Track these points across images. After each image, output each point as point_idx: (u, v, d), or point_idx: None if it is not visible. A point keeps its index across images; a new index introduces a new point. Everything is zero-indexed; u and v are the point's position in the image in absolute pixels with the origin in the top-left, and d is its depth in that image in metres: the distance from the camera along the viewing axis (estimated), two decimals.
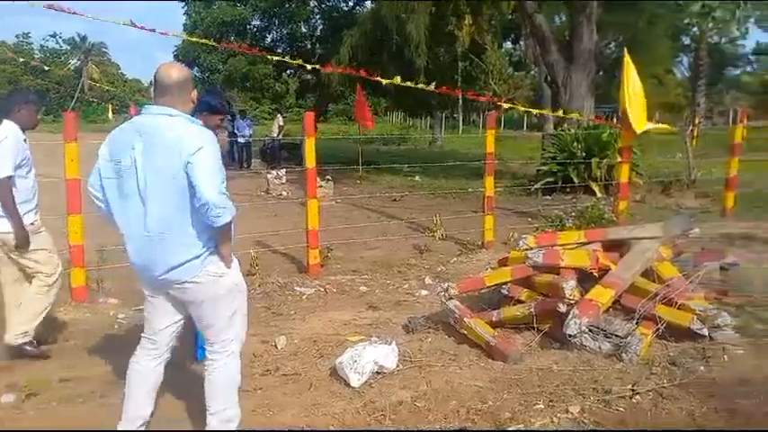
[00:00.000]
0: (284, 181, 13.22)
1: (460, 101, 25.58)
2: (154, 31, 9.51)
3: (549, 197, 12.65)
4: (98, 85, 47.96)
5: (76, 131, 5.53)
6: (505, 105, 10.86)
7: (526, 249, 4.99)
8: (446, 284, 4.98)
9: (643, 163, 14.05)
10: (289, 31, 20.39)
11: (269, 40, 20.87)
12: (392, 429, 3.44)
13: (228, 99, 4.23)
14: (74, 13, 9.50)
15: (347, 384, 3.90)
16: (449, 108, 28.98)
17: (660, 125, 8.69)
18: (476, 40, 20.03)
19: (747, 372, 4.02)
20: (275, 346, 4.61)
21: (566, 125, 13.61)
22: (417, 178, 16.06)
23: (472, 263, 7.24)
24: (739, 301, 5.30)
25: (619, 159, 9.07)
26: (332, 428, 3.45)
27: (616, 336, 4.48)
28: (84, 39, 61.98)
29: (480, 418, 3.51)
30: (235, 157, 18.34)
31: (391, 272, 6.93)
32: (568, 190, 12.69)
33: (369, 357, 3.99)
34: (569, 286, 4.46)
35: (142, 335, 3.30)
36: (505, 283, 5.04)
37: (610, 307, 4.75)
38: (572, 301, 4.48)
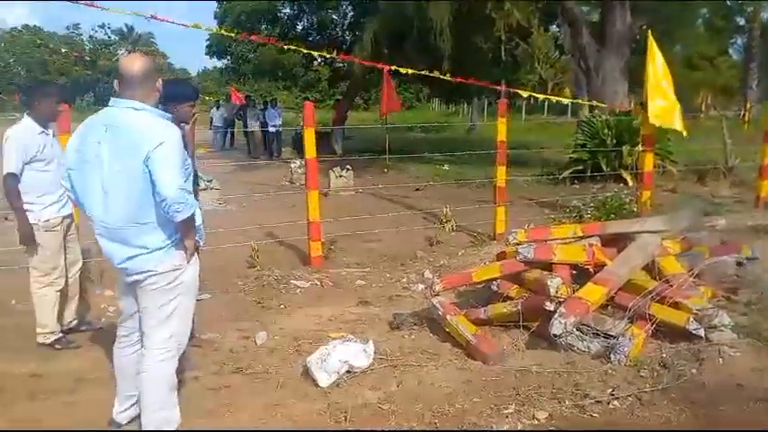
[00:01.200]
0: None
1: (503, 86, 24.97)
2: (163, 20, 9.48)
3: (577, 186, 12.28)
4: None
5: (70, 123, 5.52)
6: (522, 92, 10.48)
7: (516, 244, 4.79)
8: (432, 280, 4.82)
9: (678, 150, 13.51)
10: (319, 18, 20.33)
11: (300, 28, 20.90)
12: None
13: (194, 85, 4.15)
14: (92, 5, 9.56)
15: (316, 384, 3.80)
16: (487, 94, 28.39)
17: (671, 123, 8.20)
18: (520, 23, 19.46)
19: (742, 376, 3.77)
20: (254, 342, 4.55)
21: (596, 111, 13.17)
22: (446, 167, 15.80)
23: (480, 256, 7.03)
24: (749, 298, 5.01)
25: (642, 147, 8.67)
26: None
27: (608, 336, 4.27)
28: (131, 29, 63.29)
29: (444, 422, 3.37)
30: (266, 146, 18.42)
31: (395, 265, 6.79)
32: (598, 179, 12.29)
33: (338, 356, 3.88)
34: (554, 283, 4.26)
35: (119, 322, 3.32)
36: (495, 279, 4.86)
37: (608, 305, 4.55)
38: (560, 299, 4.28)
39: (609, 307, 4.57)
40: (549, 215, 8.88)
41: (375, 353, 4.14)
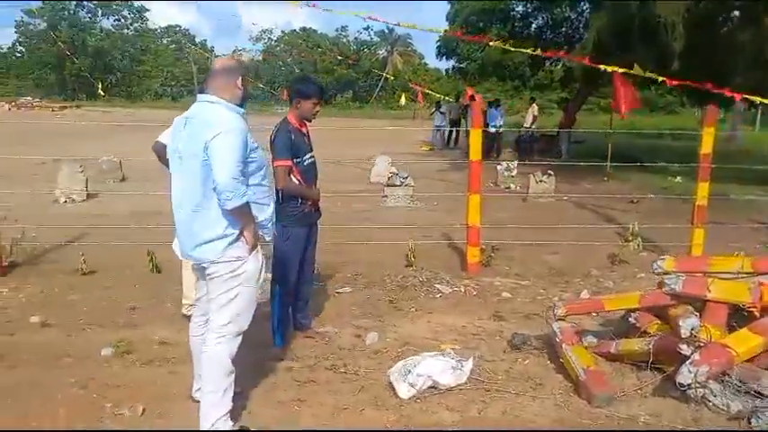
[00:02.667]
0: (514, 174, 12.77)
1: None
2: (381, 20, 9.79)
3: None
4: (392, 77, 51.09)
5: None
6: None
7: (662, 273, 4.14)
8: (555, 303, 4.37)
9: None
10: (553, 15, 19.53)
11: (534, 26, 20.28)
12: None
13: (321, 84, 4.18)
14: (312, 5, 10.19)
15: (397, 395, 3.67)
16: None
17: None
18: None
19: None
20: (364, 341, 4.53)
21: None
22: (678, 179, 14.25)
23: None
24: None
25: None
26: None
27: (759, 395, 3.51)
28: (391, 31, 66.83)
29: None
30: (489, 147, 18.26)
31: (557, 281, 6.30)
32: None
33: (423, 370, 3.70)
34: (688, 324, 3.61)
35: (194, 302, 3.55)
36: (634, 311, 4.26)
37: None
38: (700, 344, 3.62)
39: None
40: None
41: (475, 372, 3.90)
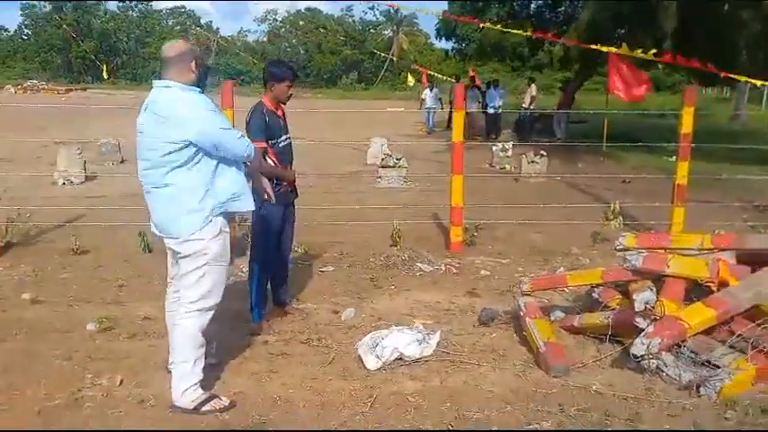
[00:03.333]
0: (510, 155, 12.88)
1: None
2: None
3: None
4: (398, 58, 50.93)
5: (232, 99, 6.09)
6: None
7: (622, 250, 4.29)
8: (522, 279, 4.54)
9: None
10: None
11: (533, 6, 20.23)
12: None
13: (294, 67, 4.30)
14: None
15: (365, 366, 3.85)
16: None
17: None
18: None
19: None
20: (340, 317, 4.70)
21: None
22: (673, 159, 14.28)
23: None
24: None
25: None
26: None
27: (712, 366, 3.67)
28: (396, 11, 66.46)
29: (456, 425, 3.21)
30: (487, 128, 18.31)
31: (537, 259, 6.45)
32: None
33: (389, 343, 3.89)
34: (642, 298, 3.77)
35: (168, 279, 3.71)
36: (597, 286, 4.42)
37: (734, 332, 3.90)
38: (655, 317, 3.78)
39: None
40: (758, 223, 7.68)
41: (441, 345, 4.07)
